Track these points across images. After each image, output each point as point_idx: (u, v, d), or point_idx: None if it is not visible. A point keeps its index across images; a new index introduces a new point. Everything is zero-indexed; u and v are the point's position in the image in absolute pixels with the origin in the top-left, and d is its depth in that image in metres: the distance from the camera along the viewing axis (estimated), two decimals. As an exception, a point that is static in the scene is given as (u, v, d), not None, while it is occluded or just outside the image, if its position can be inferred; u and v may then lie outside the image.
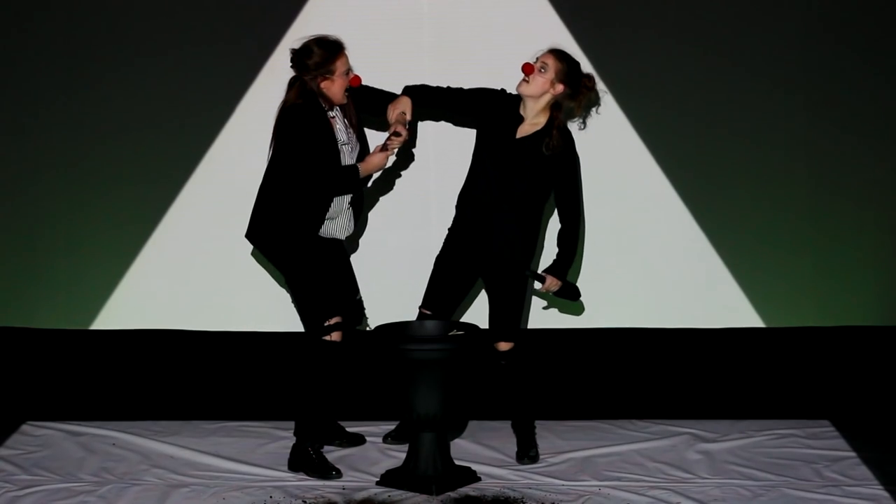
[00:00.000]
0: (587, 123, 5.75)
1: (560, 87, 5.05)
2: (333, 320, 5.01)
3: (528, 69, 5.03)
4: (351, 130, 5.09)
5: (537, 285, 5.09)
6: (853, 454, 5.18)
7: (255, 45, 5.78)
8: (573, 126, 5.33)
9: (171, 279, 5.91)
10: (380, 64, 5.69)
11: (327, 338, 5.02)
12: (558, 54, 5.06)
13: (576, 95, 5.08)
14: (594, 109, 5.64)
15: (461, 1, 5.75)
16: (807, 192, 5.81)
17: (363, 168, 4.98)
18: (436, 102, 5.21)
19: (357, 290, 5.23)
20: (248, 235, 5.13)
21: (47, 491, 4.84)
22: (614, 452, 5.25)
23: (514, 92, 5.08)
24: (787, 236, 5.82)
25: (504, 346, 5.16)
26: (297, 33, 5.75)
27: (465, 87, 5.15)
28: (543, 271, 5.06)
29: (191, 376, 5.99)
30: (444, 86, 5.17)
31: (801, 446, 5.30)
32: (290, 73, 5.08)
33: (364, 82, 5.09)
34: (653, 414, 5.74)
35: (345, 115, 5.08)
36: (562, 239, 5.07)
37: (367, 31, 5.75)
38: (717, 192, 5.82)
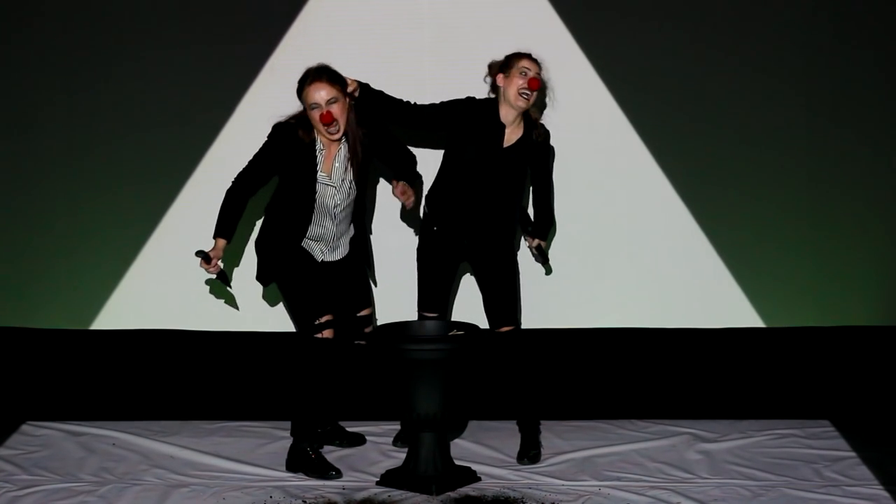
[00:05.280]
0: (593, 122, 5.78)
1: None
2: (323, 319, 5.01)
3: (535, 85, 5.05)
4: (351, 171, 5.03)
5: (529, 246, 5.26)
6: (853, 454, 5.18)
7: (255, 45, 5.78)
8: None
9: (172, 279, 5.91)
10: (380, 64, 5.69)
11: (317, 335, 5.02)
12: (539, 63, 5.13)
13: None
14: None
15: (461, 1, 5.75)
16: (807, 192, 5.81)
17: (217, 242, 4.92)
18: (392, 114, 5.16)
19: (363, 307, 5.24)
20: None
21: (47, 491, 4.84)
22: (614, 452, 5.25)
23: (487, 97, 5.18)
24: (787, 236, 5.82)
25: (506, 328, 5.20)
26: (298, 33, 5.77)
27: (455, 93, 5.21)
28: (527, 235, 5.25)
29: (191, 376, 5.99)
30: (405, 100, 5.17)
31: (801, 446, 5.30)
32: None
33: (364, 82, 5.07)
34: (653, 414, 5.74)
35: (350, 154, 5.02)
36: (539, 211, 5.23)
37: (367, 31, 5.75)
38: (717, 192, 5.81)
